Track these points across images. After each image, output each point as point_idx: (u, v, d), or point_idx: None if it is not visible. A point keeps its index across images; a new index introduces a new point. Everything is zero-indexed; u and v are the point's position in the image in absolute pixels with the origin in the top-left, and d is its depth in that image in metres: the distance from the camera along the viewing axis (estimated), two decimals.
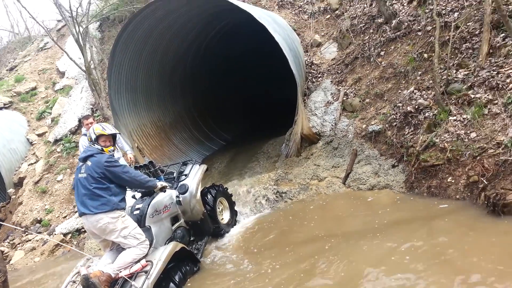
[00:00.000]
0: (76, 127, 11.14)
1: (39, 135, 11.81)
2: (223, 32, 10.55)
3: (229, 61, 12.02)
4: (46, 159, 10.68)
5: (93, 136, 4.35)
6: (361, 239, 4.66)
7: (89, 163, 4.22)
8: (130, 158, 7.42)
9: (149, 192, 5.00)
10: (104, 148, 4.34)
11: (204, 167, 6.01)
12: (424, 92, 6.44)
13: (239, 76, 12.99)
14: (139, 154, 8.51)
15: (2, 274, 4.53)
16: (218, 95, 12.18)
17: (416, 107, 6.26)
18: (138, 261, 4.26)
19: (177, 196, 5.18)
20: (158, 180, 4.93)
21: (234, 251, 5.43)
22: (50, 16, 27.92)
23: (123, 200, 4.36)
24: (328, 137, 7.23)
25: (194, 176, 5.55)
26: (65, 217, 8.85)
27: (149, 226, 4.69)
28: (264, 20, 6.87)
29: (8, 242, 8.97)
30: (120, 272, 4.07)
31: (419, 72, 6.73)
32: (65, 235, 8.17)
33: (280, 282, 4.27)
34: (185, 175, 5.64)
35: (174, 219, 5.22)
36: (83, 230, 8.16)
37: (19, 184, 10.63)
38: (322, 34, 9.27)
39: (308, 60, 8.77)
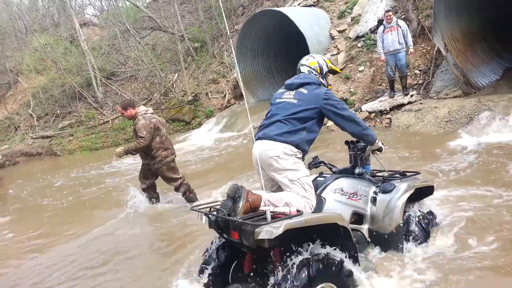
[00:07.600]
0: (375, 27, 12.53)
1: (339, 32, 13.84)
2: None
3: None
4: (348, 52, 12.66)
5: (325, 69, 3.75)
6: None
7: (304, 90, 3.52)
8: (411, 51, 9.48)
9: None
10: (329, 86, 3.79)
11: (427, 183, 4.02)
12: None
13: None
14: (447, 53, 9.28)
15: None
16: None
17: None
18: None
19: (374, 193, 3.72)
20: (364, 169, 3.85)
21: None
22: None
23: (309, 144, 3.51)
24: None
25: (409, 181, 3.86)
26: (367, 100, 10.75)
27: (324, 199, 3.62)
28: None
29: None
30: (267, 206, 3.14)
31: None
32: (370, 113, 10.07)
33: None
34: (400, 178, 3.96)
35: (357, 220, 3.73)
36: (385, 111, 9.87)
37: None
38: None
39: None
